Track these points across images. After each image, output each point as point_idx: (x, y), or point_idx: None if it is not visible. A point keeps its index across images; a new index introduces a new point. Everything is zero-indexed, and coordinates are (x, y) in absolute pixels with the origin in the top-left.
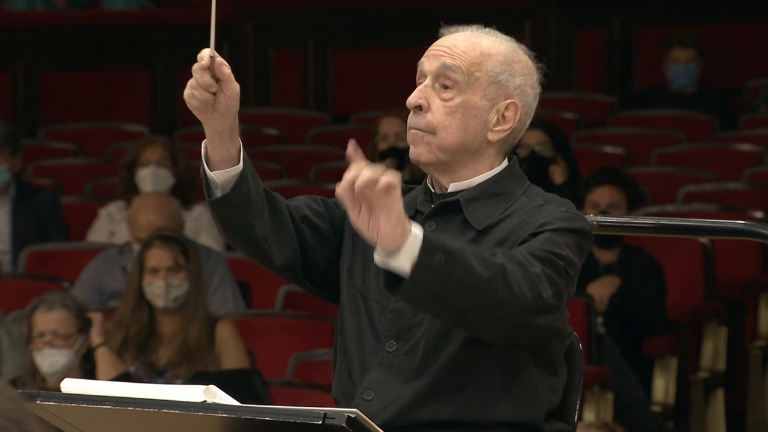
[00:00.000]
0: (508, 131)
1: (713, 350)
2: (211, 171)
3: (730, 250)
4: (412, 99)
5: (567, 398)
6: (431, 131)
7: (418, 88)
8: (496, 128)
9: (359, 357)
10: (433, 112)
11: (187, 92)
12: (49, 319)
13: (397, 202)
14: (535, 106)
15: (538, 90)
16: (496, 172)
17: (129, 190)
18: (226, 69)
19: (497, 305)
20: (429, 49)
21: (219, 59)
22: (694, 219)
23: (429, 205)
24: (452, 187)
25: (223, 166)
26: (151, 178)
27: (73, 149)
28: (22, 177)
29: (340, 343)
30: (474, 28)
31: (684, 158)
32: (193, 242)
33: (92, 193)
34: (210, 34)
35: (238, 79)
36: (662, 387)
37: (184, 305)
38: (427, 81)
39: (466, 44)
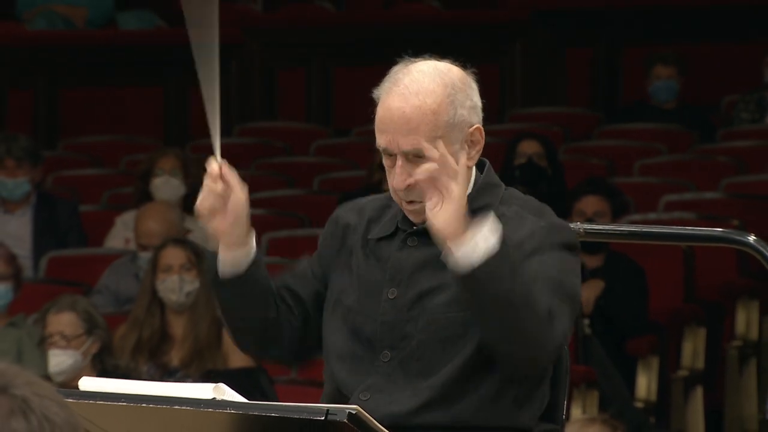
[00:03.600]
0: (481, 150)
1: (693, 350)
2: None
3: (708, 256)
4: (400, 184)
5: (555, 397)
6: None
7: (397, 171)
8: (471, 155)
9: (354, 368)
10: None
11: (200, 198)
12: (56, 321)
13: (462, 196)
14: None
15: (476, 87)
16: (471, 188)
17: (143, 199)
18: (233, 177)
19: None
20: (381, 124)
21: (226, 168)
22: (674, 227)
23: (410, 224)
24: None
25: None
26: (164, 187)
27: (91, 161)
28: (42, 187)
29: (328, 365)
30: (415, 70)
31: (665, 169)
32: (203, 248)
33: (108, 201)
34: (214, 146)
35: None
36: (645, 385)
37: (195, 305)
38: (400, 161)
39: (415, 113)
